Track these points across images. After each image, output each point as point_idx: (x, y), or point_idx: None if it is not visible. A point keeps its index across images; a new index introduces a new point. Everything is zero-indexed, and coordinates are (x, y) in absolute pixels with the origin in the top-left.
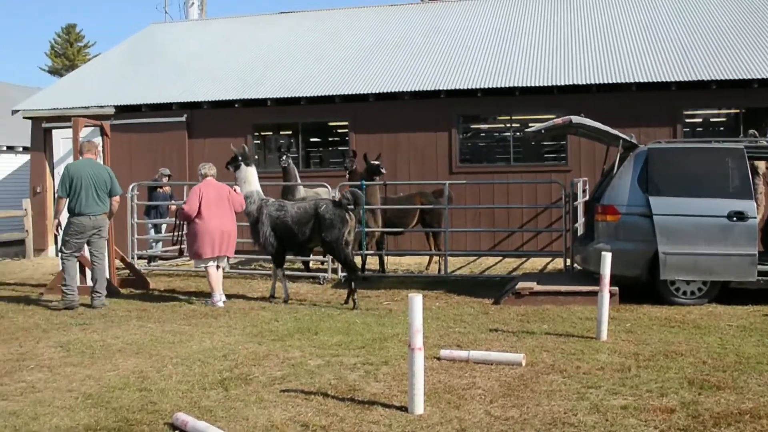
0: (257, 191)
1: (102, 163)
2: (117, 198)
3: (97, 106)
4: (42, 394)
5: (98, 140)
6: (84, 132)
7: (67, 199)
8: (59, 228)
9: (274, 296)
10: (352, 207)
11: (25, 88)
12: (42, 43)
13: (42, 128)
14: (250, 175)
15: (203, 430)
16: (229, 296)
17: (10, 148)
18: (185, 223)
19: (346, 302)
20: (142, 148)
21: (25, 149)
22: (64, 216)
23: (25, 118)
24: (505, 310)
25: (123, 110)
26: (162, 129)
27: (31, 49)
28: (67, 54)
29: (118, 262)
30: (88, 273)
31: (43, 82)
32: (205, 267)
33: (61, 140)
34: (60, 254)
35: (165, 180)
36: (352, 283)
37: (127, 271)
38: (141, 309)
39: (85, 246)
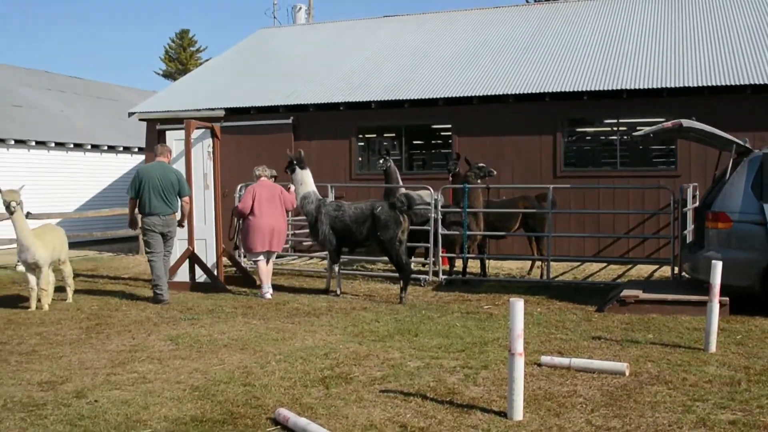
0: (314, 192)
1: (212, 163)
2: (186, 199)
3: (208, 109)
4: (152, 385)
5: (209, 141)
6: (195, 134)
7: (137, 200)
8: (136, 226)
9: (330, 290)
10: (405, 209)
11: (140, 91)
12: (157, 48)
13: (156, 130)
14: (305, 177)
15: (304, 426)
16: (323, 293)
17: (127, 149)
18: (241, 220)
19: (400, 302)
20: (249, 150)
21: (140, 150)
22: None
23: (140, 120)
24: (608, 317)
25: (232, 112)
26: (269, 131)
27: (147, 54)
28: (180, 58)
29: (225, 260)
30: (198, 270)
31: (158, 86)
32: (255, 261)
33: (174, 141)
34: (147, 255)
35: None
36: (402, 282)
37: (234, 269)
38: (246, 306)
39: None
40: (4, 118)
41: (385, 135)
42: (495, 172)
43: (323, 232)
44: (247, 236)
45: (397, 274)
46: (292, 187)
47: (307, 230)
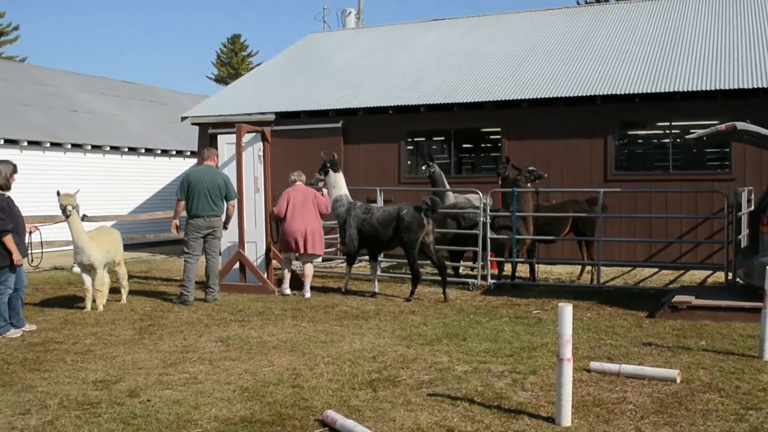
0: (346, 195)
1: (263, 166)
2: (233, 202)
3: (259, 113)
4: (203, 386)
5: (259, 145)
6: (246, 137)
7: (185, 202)
8: (177, 229)
9: (346, 290)
10: (429, 212)
11: (192, 95)
12: (209, 53)
13: (208, 134)
14: (339, 180)
15: (351, 428)
16: (372, 295)
17: (179, 153)
18: (277, 222)
19: (408, 300)
20: (299, 153)
21: (192, 153)
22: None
23: (192, 124)
24: (660, 323)
25: (282, 116)
26: (319, 135)
27: (200, 59)
28: (231, 63)
29: (275, 263)
30: (248, 273)
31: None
32: (289, 261)
33: (226, 145)
34: (184, 255)
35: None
36: (415, 284)
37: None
38: (296, 308)
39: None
40: (61, 123)
41: (433, 138)
42: (545, 175)
43: (349, 234)
44: (282, 238)
45: (447, 278)
46: (325, 191)
47: None
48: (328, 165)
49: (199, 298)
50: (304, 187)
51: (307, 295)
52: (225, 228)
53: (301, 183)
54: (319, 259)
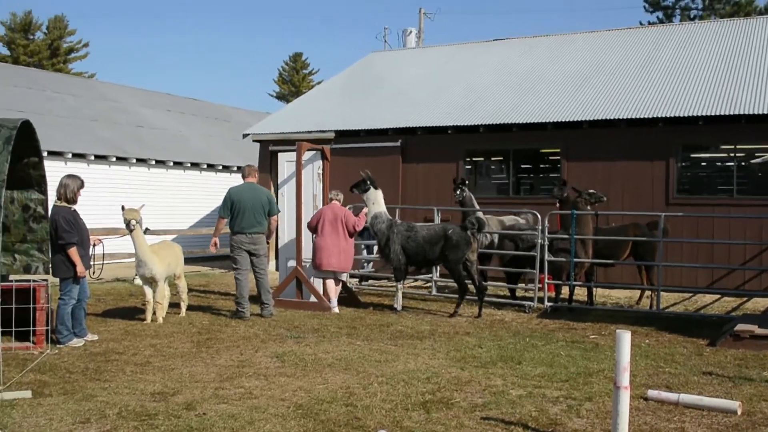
0: (384, 212)
1: (322, 184)
2: (275, 218)
3: (319, 131)
4: (258, 401)
5: (319, 163)
6: (306, 155)
7: (228, 219)
8: (216, 246)
9: (397, 308)
10: (475, 231)
11: (253, 112)
12: (272, 70)
13: (269, 151)
14: (378, 197)
15: None
16: (426, 312)
17: (240, 168)
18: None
19: (452, 315)
20: (358, 171)
21: None
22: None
23: (254, 141)
24: (721, 352)
25: (342, 135)
26: (377, 153)
27: (262, 77)
28: (293, 81)
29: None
30: (305, 289)
31: (272, 107)
32: (320, 278)
33: (286, 163)
34: (234, 271)
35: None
36: (460, 299)
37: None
38: (351, 327)
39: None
40: (127, 138)
41: (492, 158)
42: (605, 199)
43: (395, 251)
44: (313, 255)
45: (503, 300)
46: (365, 209)
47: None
48: (368, 182)
49: (255, 313)
50: (338, 205)
51: (335, 310)
52: (267, 243)
53: (336, 202)
54: (344, 276)
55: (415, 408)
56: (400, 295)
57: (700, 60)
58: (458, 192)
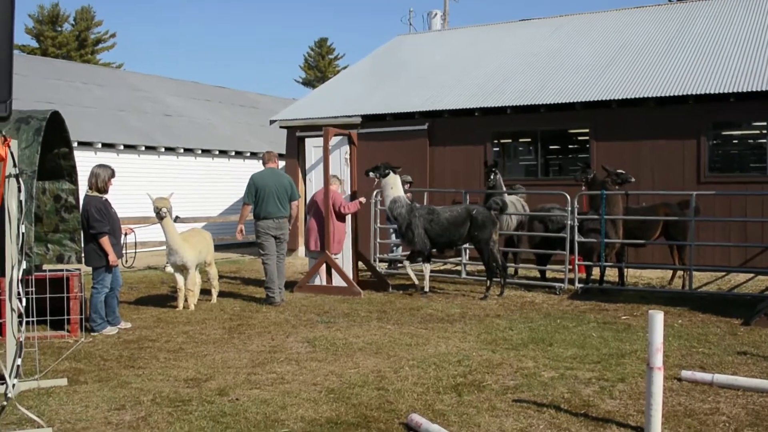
0: (403, 197)
1: (349, 169)
2: (296, 203)
3: (345, 116)
4: (290, 386)
5: (346, 148)
6: (333, 140)
7: (252, 206)
8: (242, 233)
9: (425, 290)
10: (498, 212)
11: (280, 99)
12: (297, 57)
13: (296, 137)
14: (396, 181)
15: None
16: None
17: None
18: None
19: (484, 298)
20: (385, 156)
21: (281, 156)
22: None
23: (281, 127)
24: (756, 332)
25: (368, 119)
26: (404, 137)
27: (288, 63)
28: (318, 66)
29: (360, 264)
30: (335, 274)
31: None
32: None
33: (313, 148)
34: (261, 257)
35: (407, 187)
36: (490, 280)
37: (369, 273)
38: (381, 311)
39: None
40: (155, 127)
41: (520, 140)
42: (633, 179)
43: (419, 234)
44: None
45: (533, 281)
46: (360, 198)
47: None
48: (385, 167)
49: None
50: (332, 189)
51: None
52: (289, 228)
53: (333, 186)
54: (339, 256)
55: (447, 391)
56: (427, 276)
57: (730, 35)
58: (492, 177)
